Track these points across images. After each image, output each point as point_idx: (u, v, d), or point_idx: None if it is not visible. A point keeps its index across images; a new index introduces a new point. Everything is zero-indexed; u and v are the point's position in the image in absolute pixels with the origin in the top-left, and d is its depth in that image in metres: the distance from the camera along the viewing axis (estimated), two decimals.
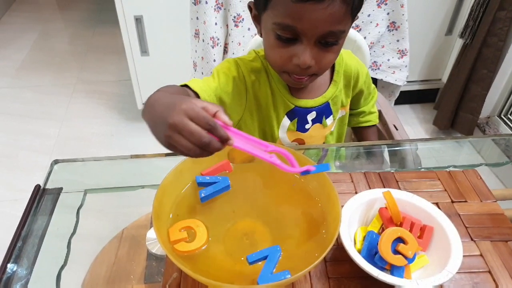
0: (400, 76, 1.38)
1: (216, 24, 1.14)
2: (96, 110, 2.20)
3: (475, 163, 0.86)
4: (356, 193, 0.71)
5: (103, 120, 2.13)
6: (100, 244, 0.73)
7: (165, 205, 0.59)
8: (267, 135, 0.86)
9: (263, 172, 0.68)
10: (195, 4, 1.11)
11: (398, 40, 1.33)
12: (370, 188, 0.74)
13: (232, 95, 0.78)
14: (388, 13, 1.27)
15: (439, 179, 0.77)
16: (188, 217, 0.59)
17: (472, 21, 1.72)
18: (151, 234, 0.69)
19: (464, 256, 0.57)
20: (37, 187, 0.77)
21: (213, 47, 1.16)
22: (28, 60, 2.62)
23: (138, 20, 1.67)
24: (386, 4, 1.25)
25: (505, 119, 1.99)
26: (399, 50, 1.34)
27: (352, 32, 1.03)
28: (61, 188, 0.78)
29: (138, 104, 1.94)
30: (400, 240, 0.59)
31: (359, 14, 0.71)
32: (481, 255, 0.64)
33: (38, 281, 0.64)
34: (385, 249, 0.57)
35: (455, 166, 0.83)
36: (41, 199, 0.75)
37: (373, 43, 1.32)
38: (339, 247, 0.61)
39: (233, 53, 1.20)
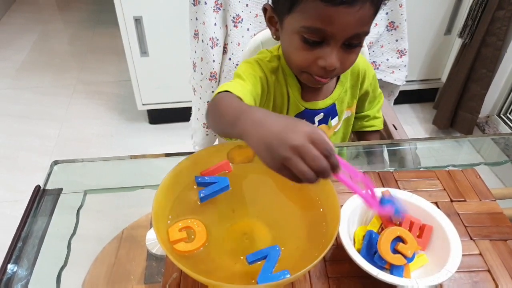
0: (399, 76, 1.38)
1: (215, 24, 1.14)
2: (96, 110, 2.20)
3: (475, 162, 0.86)
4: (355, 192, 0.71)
5: (103, 121, 2.13)
6: (100, 245, 0.73)
7: (164, 205, 0.59)
8: None
9: (262, 172, 0.68)
10: (194, 5, 1.11)
11: (397, 40, 1.33)
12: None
13: (260, 97, 0.78)
14: (387, 13, 1.27)
15: (438, 179, 0.78)
16: (187, 217, 0.59)
17: (471, 20, 1.72)
18: (151, 234, 0.69)
19: (463, 255, 0.57)
20: (37, 187, 0.77)
21: (212, 48, 1.16)
22: (28, 61, 2.62)
23: (138, 21, 1.67)
24: (385, 4, 1.25)
25: (504, 118, 1.99)
26: (398, 50, 1.34)
27: None
28: (61, 189, 0.78)
29: (138, 105, 1.94)
30: (399, 239, 0.59)
31: None
32: (480, 254, 0.64)
33: (38, 281, 0.64)
34: (384, 248, 0.57)
35: (454, 166, 0.84)
36: (41, 200, 0.75)
37: (372, 43, 1.33)
38: (338, 246, 0.61)
39: (232, 54, 1.20)
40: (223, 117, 0.58)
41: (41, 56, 2.67)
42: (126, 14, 1.65)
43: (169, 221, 0.59)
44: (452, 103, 1.89)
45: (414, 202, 0.65)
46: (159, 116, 2.06)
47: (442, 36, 1.91)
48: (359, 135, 1.02)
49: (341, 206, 0.58)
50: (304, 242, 0.58)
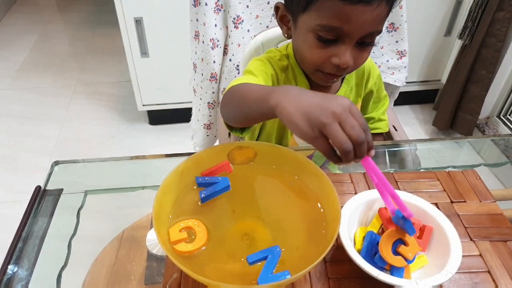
0: (399, 77, 1.38)
1: (215, 25, 1.14)
2: (96, 111, 2.20)
3: (475, 163, 0.86)
4: (355, 193, 0.71)
5: (103, 121, 2.13)
6: (101, 245, 0.73)
7: (165, 205, 0.59)
8: (283, 134, 0.86)
9: (263, 173, 0.68)
10: (194, 6, 1.11)
11: (397, 41, 1.33)
12: (369, 189, 0.74)
13: None
14: None
15: (438, 180, 0.78)
16: (188, 218, 0.59)
17: (470, 22, 1.72)
18: (152, 234, 0.69)
19: (463, 256, 0.57)
20: (38, 188, 0.77)
21: (213, 49, 1.16)
22: (28, 62, 2.62)
23: (138, 22, 1.67)
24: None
25: (504, 119, 1.99)
26: (398, 51, 1.34)
27: None
28: (62, 189, 0.78)
29: (138, 106, 1.95)
30: (400, 241, 0.59)
31: None
32: (480, 255, 0.64)
33: (39, 282, 0.64)
34: (385, 250, 0.57)
35: (454, 167, 0.84)
36: (42, 200, 0.75)
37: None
38: (338, 247, 0.61)
39: (233, 55, 1.20)
40: (247, 97, 0.59)
41: (41, 57, 2.67)
42: (126, 15, 1.65)
43: (169, 222, 0.59)
44: (452, 104, 1.89)
45: (414, 203, 0.65)
46: (159, 117, 2.06)
47: (442, 38, 1.91)
48: None
49: (342, 206, 0.58)
50: (304, 243, 0.58)
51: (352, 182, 0.77)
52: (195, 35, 1.17)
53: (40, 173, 1.78)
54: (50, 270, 0.67)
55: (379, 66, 1.38)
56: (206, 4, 1.10)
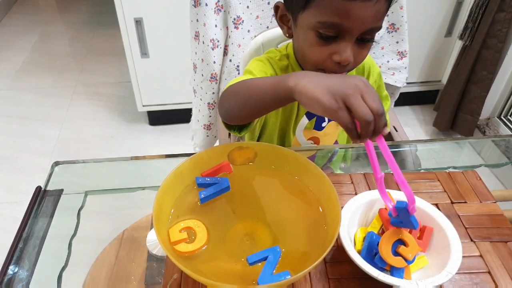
0: (400, 78, 1.38)
1: (216, 26, 1.14)
2: (96, 112, 2.20)
3: (475, 164, 0.86)
4: (356, 194, 0.71)
5: (103, 122, 2.13)
6: (101, 246, 0.73)
7: (165, 206, 0.59)
8: (285, 133, 0.87)
9: (263, 173, 0.68)
10: (195, 7, 1.11)
11: (397, 42, 1.33)
12: (369, 189, 0.74)
13: None
14: (387, 15, 1.28)
15: (438, 180, 0.78)
16: (188, 218, 0.59)
17: (471, 22, 1.72)
18: (152, 235, 0.69)
19: (463, 256, 0.57)
20: (38, 188, 0.77)
21: (213, 49, 1.16)
22: (28, 62, 2.63)
23: (138, 22, 1.67)
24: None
25: (505, 120, 1.99)
26: (398, 52, 1.35)
27: None
28: (62, 190, 0.78)
29: (138, 106, 1.95)
30: (400, 242, 0.59)
31: None
32: (480, 255, 0.64)
33: (39, 282, 0.64)
34: (385, 250, 0.57)
35: (455, 167, 0.84)
36: (42, 201, 0.75)
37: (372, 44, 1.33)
38: (339, 247, 0.61)
39: (233, 55, 1.20)
40: (258, 87, 0.60)
41: (41, 58, 2.68)
42: (126, 16, 1.65)
43: (169, 222, 0.59)
44: (452, 105, 1.89)
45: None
46: (159, 118, 2.06)
47: (442, 38, 1.91)
48: None
49: (342, 207, 0.58)
50: (304, 243, 0.58)
51: (352, 182, 0.77)
52: (195, 35, 1.18)
53: (40, 173, 1.78)
54: (50, 270, 0.67)
55: (380, 67, 1.38)
56: (206, 5, 1.10)
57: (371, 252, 0.59)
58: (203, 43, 1.16)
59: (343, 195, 0.73)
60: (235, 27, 1.16)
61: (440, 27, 1.87)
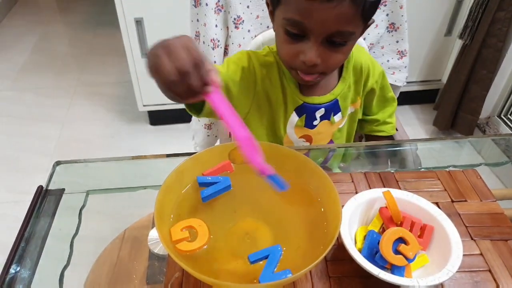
0: (400, 77, 1.38)
1: (216, 26, 1.14)
2: (97, 112, 2.21)
3: (475, 163, 0.86)
4: (356, 193, 0.71)
5: (104, 122, 2.13)
6: (102, 245, 0.73)
7: (166, 205, 0.59)
8: (275, 130, 0.86)
9: None
10: (195, 7, 1.11)
11: (397, 41, 1.33)
12: (370, 188, 0.74)
13: (239, 85, 0.78)
14: (387, 14, 1.28)
15: (439, 179, 0.78)
16: (189, 217, 0.59)
17: (471, 21, 1.72)
18: (153, 234, 0.69)
19: (464, 255, 0.57)
20: (40, 188, 0.77)
21: (213, 49, 1.16)
22: (28, 63, 2.63)
23: (139, 22, 1.67)
24: (385, 5, 1.25)
25: (505, 119, 1.99)
26: (398, 51, 1.35)
27: None
28: (63, 189, 0.78)
29: (139, 106, 1.95)
30: (401, 240, 0.59)
31: None
32: (481, 254, 0.64)
33: (41, 281, 0.65)
34: (386, 249, 0.58)
35: (455, 166, 0.84)
36: (44, 200, 0.75)
37: (372, 44, 1.33)
38: (339, 246, 0.61)
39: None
40: None
41: (41, 58, 2.68)
42: (127, 16, 1.66)
43: (171, 221, 0.59)
44: (452, 104, 1.89)
45: (415, 203, 0.65)
46: (159, 117, 2.06)
47: (442, 37, 1.91)
48: (368, 138, 1.01)
49: (342, 206, 0.58)
50: (305, 242, 0.58)
51: (352, 181, 0.77)
52: (195, 35, 1.18)
53: (41, 173, 1.78)
54: (52, 269, 0.67)
55: None
56: (206, 5, 1.10)
57: (371, 251, 0.60)
58: (204, 43, 1.16)
59: (344, 194, 0.73)
60: (235, 27, 1.16)
61: (440, 26, 1.87)
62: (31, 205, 0.73)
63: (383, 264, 0.58)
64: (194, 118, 1.36)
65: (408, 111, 2.16)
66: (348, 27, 0.66)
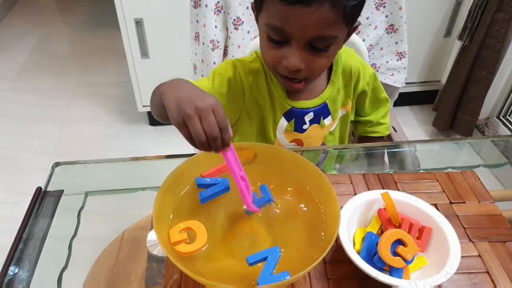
0: (399, 78, 1.38)
1: (216, 27, 1.14)
2: (97, 112, 2.21)
3: (474, 164, 0.86)
4: (355, 194, 0.71)
5: (103, 123, 2.13)
6: (101, 246, 0.73)
7: (165, 206, 0.59)
8: (266, 135, 0.86)
9: (262, 174, 0.68)
10: (195, 8, 1.12)
11: (396, 43, 1.33)
12: (369, 190, 0.74)
13: (227, 96, 0.78)
14: (386, 16, 1.28)
15: (437, 181, 0.78)
16: (188, 219, 0.59)
17: (470, 23, 1.72)
18: (152, 235, 0.69)
19: (462, 256, 0.57)
20: (38, 189, 0.77)
21: (213, 50, 1.16)
22: (28, 63, 2.63)
23: (139, 23, 1.67)
24: (384, 6, 1.25)
25: (504, 120, 1.99)
26: (397, 52, 1.35)
27: None
28: (62, 191, 0.78)
29: (139, 107, 1.95)
30: (399, 242, 0.59)
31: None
32: (479, 255, 0.64)
33: (40, 283, 0.65)
34: (384, 250, 0.58)
35: (453, 168, 0.84)
36: (42, 202, 0.75)
37: (372, 45, 1.33)
38: (338, 248, 0.62)
39: (233, 56, 1.20)
40: (157, 92, 0.62)
41: (41, 58, 2.68)
42: (126, 16, 1.66)
43: (170, 223, 0.59)
44: (451, 105, 1.89)
45: (414, 204, 0.65)
46: None
47: (441, 38, 1.91)
48: (362, 140, 1.01)
49: (341, 207, 0.59)
50: (304, 244, 0.58)
51: (351, 183, 0.77)
52: (195, 36, 1.18)
53: (40, 174, 1.78)
54: (50, 271, 0.67)
55: (379, 67, 1.38)
56: (206, 6, 1.11)
57: (370, 252, 0.60)
58: (203, 44, 1.16)
59: (342, 196, 0.73)
60: (235, 28, 1.16)
61: (439, 27, 1.87)
62: (29, 206, 0.73)
63: (381, 265, 0.58)
64: None
65: (407, 111, 2.16)
66: (329, 32, 0.65)
